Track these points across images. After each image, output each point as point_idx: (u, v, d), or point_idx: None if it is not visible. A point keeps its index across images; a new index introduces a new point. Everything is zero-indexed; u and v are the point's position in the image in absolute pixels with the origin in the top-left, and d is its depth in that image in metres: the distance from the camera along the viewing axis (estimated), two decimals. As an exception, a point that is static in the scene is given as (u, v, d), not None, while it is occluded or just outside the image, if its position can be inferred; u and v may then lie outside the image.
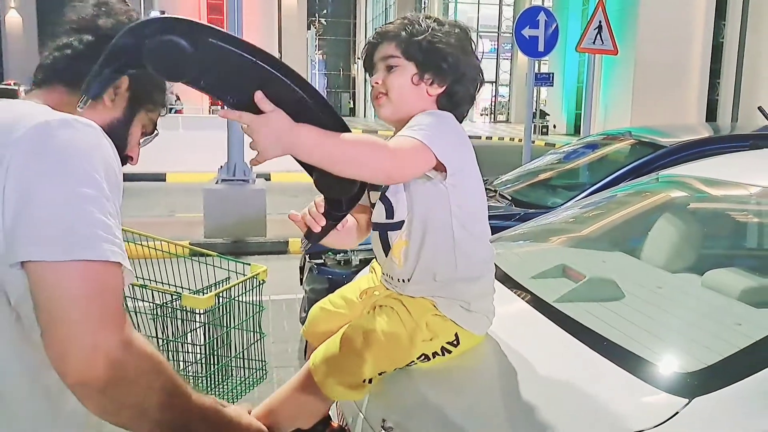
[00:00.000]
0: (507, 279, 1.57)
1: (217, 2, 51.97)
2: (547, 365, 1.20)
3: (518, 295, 1.49)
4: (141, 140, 1.17)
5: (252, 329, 2.53)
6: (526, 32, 6.94)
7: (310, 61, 51.49)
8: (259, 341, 2.56)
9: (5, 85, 29.08)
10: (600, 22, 6.74)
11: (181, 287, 2.81)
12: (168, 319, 2.32)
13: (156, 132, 1.20)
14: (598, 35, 6.78)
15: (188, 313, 2.34)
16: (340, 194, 1.18)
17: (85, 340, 0.82)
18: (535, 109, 30.53)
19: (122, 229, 0.88)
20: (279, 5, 44.63)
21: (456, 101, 1.30)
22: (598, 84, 26.68)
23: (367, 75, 1.34)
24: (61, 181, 0.86)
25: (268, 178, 10.16)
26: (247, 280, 2.45)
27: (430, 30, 1.27)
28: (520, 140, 24.95)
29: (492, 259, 1.35)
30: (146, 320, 2.33)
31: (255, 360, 2.54)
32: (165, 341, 2.33)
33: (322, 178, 1.13)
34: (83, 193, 0.86)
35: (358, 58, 53.48)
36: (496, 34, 42.03)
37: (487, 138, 25.21)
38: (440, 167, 1.21)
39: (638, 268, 1.76)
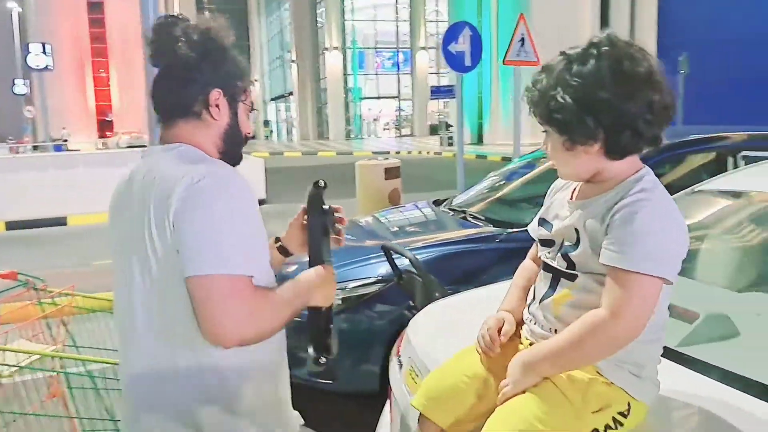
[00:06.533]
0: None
1: (99, 30, 49.25)
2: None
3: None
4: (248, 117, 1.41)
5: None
6: (453, 48, 6.97)
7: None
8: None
9: None
10: (522, 34, 6.90)
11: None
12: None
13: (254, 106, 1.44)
14: (522, 48, 6.93)
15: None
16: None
17: (239, 326, 1.16)
18: (439, 121, 31.32)
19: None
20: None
21: (625, 146, 1.13)
22: (497, 94, 27.73)
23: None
24: (203, 216, 1.16)
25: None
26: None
27: (553, 86, 1.12)
28: (428, 153, 25.41)
29: (667, 325, 1.21)
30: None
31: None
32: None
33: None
34: (224, 222, 1.17)
35: (255, 80, 52.84)
36: (396, 50, 42.85)
37: (396, 153, 25.43)
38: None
39: (705, 291, 1.67)
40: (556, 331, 1.19)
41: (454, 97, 23.44)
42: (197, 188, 1.16)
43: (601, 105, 1.09)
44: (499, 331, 1.30)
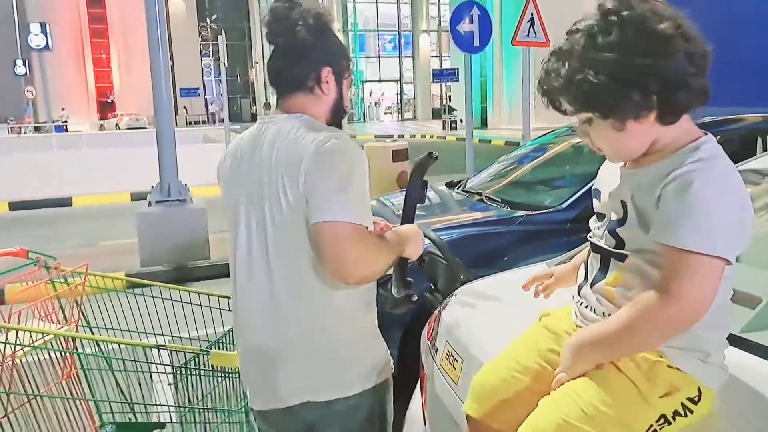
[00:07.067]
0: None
1: (98, 10, 48.77)
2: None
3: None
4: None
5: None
6: (461, 27, 6.84)
7: (203, 68, 49.71)
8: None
9: None
10: (532, 14, 6.75)
11: (171, 336, 2.45)
12: (188, 382, 1.94)
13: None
14: (531, 28, 6.79)
15: (213, 372, 1.97)
16: None
17: (359, 265, 1.38)
18: (442, 104, 31.05)
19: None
20: (167, 12, 42.84)
21: (681, 106, 1.04)
22: (501, 77, 27.48)
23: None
24: (330, 173, 1.37)
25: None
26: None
27: (579, 68, 1.01)
28: (431, 136, 25.26)
29: (731, 308, 1.14)
30: (163, 386, 1.93)
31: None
32: (189, 409, 1.94)
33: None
34: (349, 178, 1.38)
35: (256, 63, 52.36)
36: (397, 33, 42.41)
37: (399, 136, 25.27)
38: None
39: (762, 275, 1.59)
40: (610, 316, 1.11)
41: (456, 81, 23.30)
42: (326, 149, 1.37)
43: (644, 72, 1.00)
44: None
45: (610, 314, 1.11)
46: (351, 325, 1.47)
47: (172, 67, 43.70)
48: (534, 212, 3.28)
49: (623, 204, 1.10)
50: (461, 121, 29.30)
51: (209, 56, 52.00)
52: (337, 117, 1.54)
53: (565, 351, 1.11)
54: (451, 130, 26.24)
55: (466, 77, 7.30)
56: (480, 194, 3.79)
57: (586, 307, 1.17)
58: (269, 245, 1.43)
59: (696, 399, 1.07)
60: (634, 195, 1.08)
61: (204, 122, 41.43)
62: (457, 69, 22.79)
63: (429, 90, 40.56)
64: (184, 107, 41.36)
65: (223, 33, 12.41)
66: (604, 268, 1.14)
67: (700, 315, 1.01)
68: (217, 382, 2.03)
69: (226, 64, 12.61)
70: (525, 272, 1.98)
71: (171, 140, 6.06)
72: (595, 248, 1.17)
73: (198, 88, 34.76)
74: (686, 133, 1.08)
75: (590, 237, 1.20)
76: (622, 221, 1.10)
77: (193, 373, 1.95)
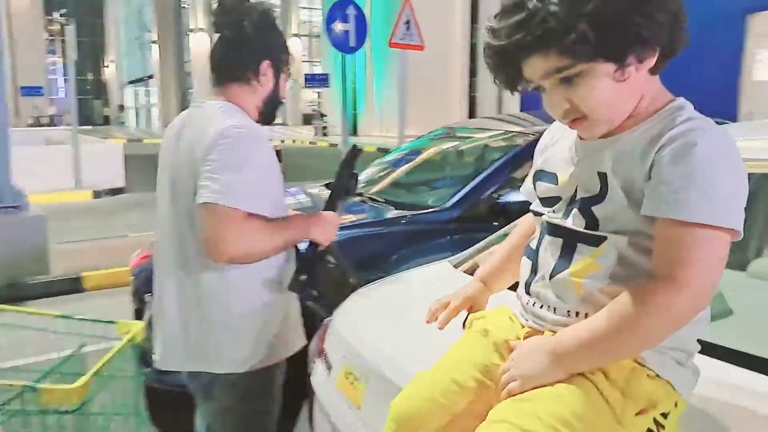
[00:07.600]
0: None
1: None
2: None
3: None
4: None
5: (132, 413, 1.80)
6: (337, 27, 6.65)
7: (47, 66, 45.53)
8: (142, 427, 1.83)
9: None
10: (408, 17, 6.72)
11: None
12: (8, 425, 1.50)
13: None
14: (407, 31, 6.76)
15: (43, 412, 1.54)
16: None
17: (229, 247, 1.44)
18: (314, 111, 30.67)
19: None
20: (7, 3, 38.54)
21: (675, 48, 0.87)
22: (372, 83, 27.72)
23: (495, 81, 0.93)
24: (224, 158, 1.42)
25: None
26: (124, 347, 1.72)
27: (577, 4, 0.81)
28: (302, 142, 24.83)
29: None
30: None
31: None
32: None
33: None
34: (240, 164, 1.43)
35: (111, 61, 48.81)
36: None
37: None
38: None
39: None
40: (578, 314, 0.91)
41: (328, 86, 23.09)
42: (226, 134, 1.42)
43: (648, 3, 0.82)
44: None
45: (577, 313, 0.91)
46: (245, 301, 1.50)
47: (12, 64, 39.45)
48: (418, 212, 3.13)
49: (601, 177, 0.91)
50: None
51: (56, 53, 47.67)
52: (270, 108, 1.62)
53: (531, 353, 0.90)
54: (323, 136, 26.02)
55: (342, 80, 7.11)
56: (361, 195, 3.59)
57: (541, 306, 0.96)
58: (180, 222, 1.50)
59: (668, 414, 0.90)
60: (616, 164, 0.89)
61: (49, 124, 37.91)
62: (328, 74, 22.56)
63: (299, 95, 40.07)
64: (36, 108, 37.64)
65: (74, 27, 11.14)
66: (567, 255, 0.94)
67: (708, 300, 0.85)
68: (49, 423, 1.60)
69: (75, 59, 11.36)
70: (425, 273, 1.79)
71: (2, 140, 5.28)
72: (555, 231, 0.96)
73: (41, 87, 31.63)
74: (662, 93, 0.93)
75: (547, 219, 0.99)
76: (599, 197, 0.90)
77: (15, 414, 1.52)
